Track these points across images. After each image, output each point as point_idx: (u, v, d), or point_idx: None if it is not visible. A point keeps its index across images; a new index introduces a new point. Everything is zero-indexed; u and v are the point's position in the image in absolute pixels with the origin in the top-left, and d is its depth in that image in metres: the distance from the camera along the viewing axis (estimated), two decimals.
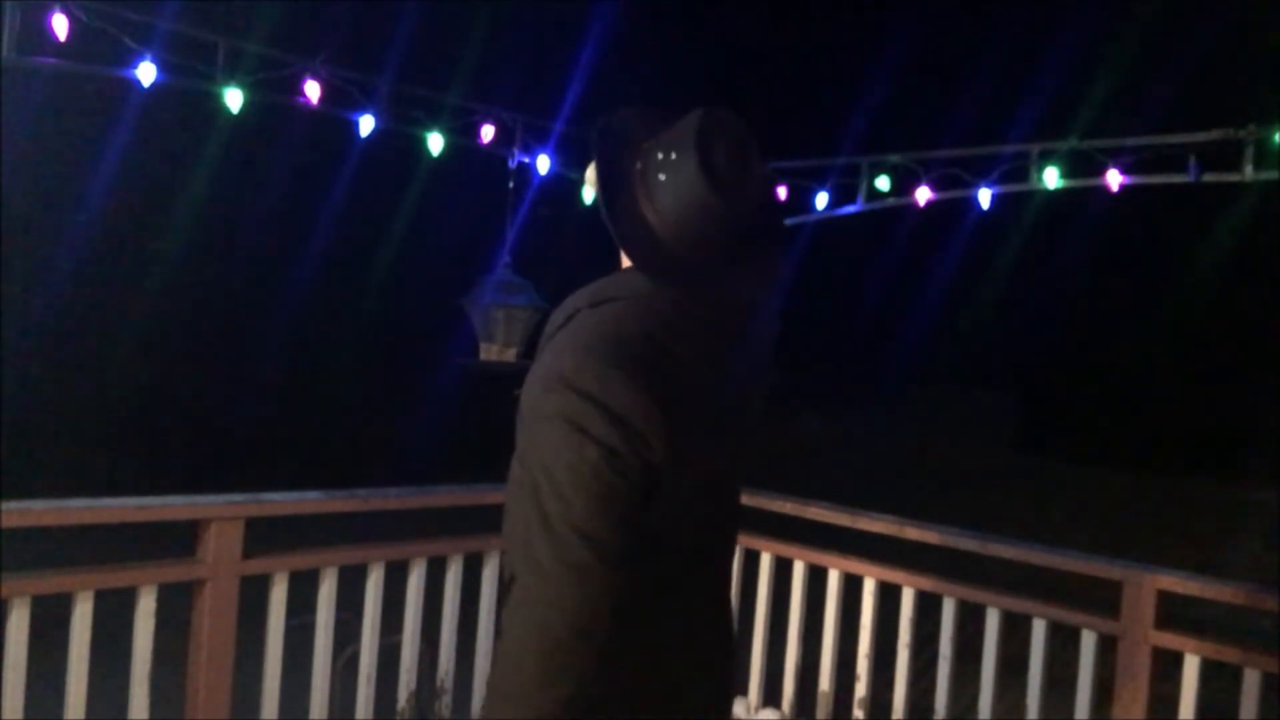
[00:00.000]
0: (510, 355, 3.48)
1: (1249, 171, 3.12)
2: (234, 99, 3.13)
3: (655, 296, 1.46)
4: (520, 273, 3.56)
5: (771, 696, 3.82)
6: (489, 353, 3.49)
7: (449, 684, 3.29)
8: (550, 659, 1.36)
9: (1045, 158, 3.48)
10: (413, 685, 3.22)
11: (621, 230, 1.46)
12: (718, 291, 1.49)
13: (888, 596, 3.53)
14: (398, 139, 3.55)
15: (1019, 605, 3.22)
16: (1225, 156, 3.19)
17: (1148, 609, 2.92)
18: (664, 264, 1.46)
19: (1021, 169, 3.55)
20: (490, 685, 1.43)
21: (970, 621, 3.33)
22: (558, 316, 1.53)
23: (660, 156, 1.46)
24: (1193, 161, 3.22)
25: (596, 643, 1.37)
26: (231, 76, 3.12)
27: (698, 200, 1.43)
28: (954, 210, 3.88)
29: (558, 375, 1.40)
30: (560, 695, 1.37)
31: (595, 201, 1.49)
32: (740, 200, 1.45)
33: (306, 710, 3.04)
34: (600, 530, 1.36)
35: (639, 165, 1.49)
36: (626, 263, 1.54)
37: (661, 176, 1.46)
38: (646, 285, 1.46)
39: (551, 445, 1.39)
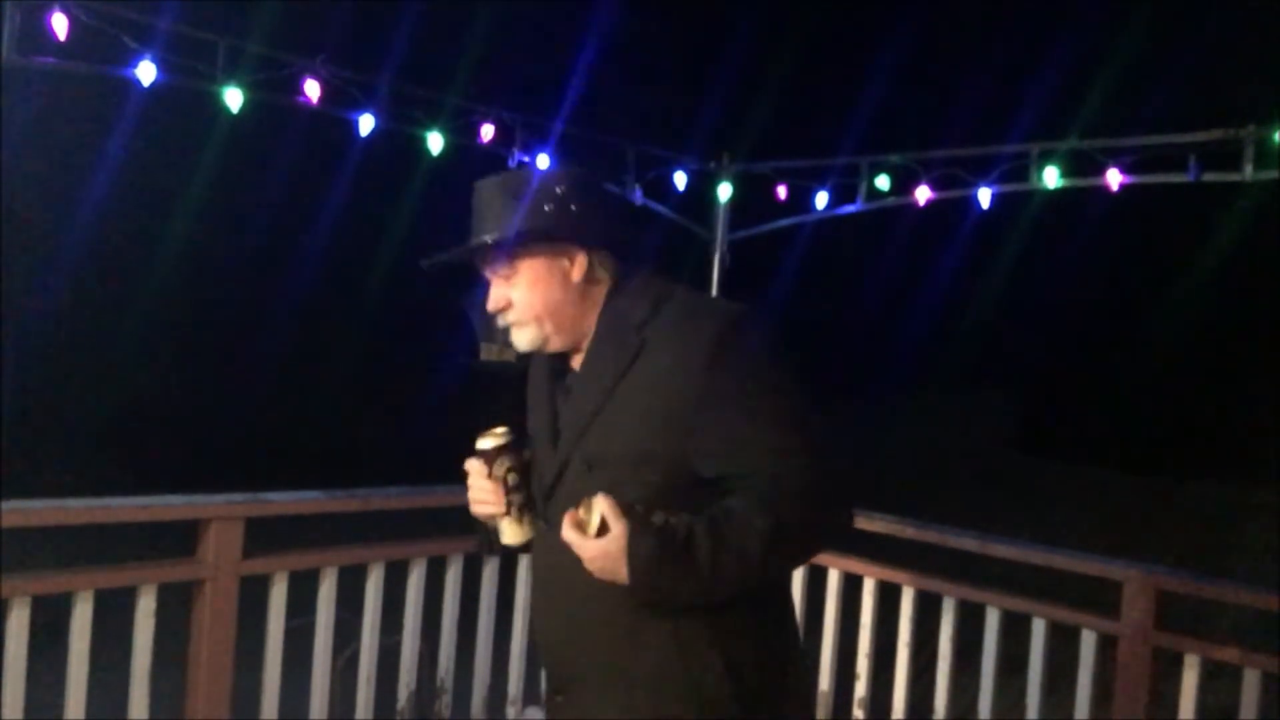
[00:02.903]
0: (511, 355, 3.49)
1: (1249, 171, 3.12)
2: (234, 99, 3.14)
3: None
4: None
5: None
6: (489, 353, 3.50)
7: (449, 684, 3.28)
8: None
9: (1045, 158, 3.49)
10: (413, 685, 3.22)
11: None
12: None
13: (888, 596, 3.53)
14: (398, 139, 3.55)
15: (1019, 605, 3.22)
16: (1225, 156, 3.19)
17: (1148, 609, 2.92)
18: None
19: (1021, 169, 3.55)
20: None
21: (970, 621, 3.33)
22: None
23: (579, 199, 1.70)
24: (1193, 161, 3.22)
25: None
26: (231, 76, 3.12)
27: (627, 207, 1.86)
28: (954, 210, 3.88)
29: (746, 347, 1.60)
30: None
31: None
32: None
33: (306, 710, 3.04)
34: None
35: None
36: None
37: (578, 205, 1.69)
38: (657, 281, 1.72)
39: (788, 399, 1.59)
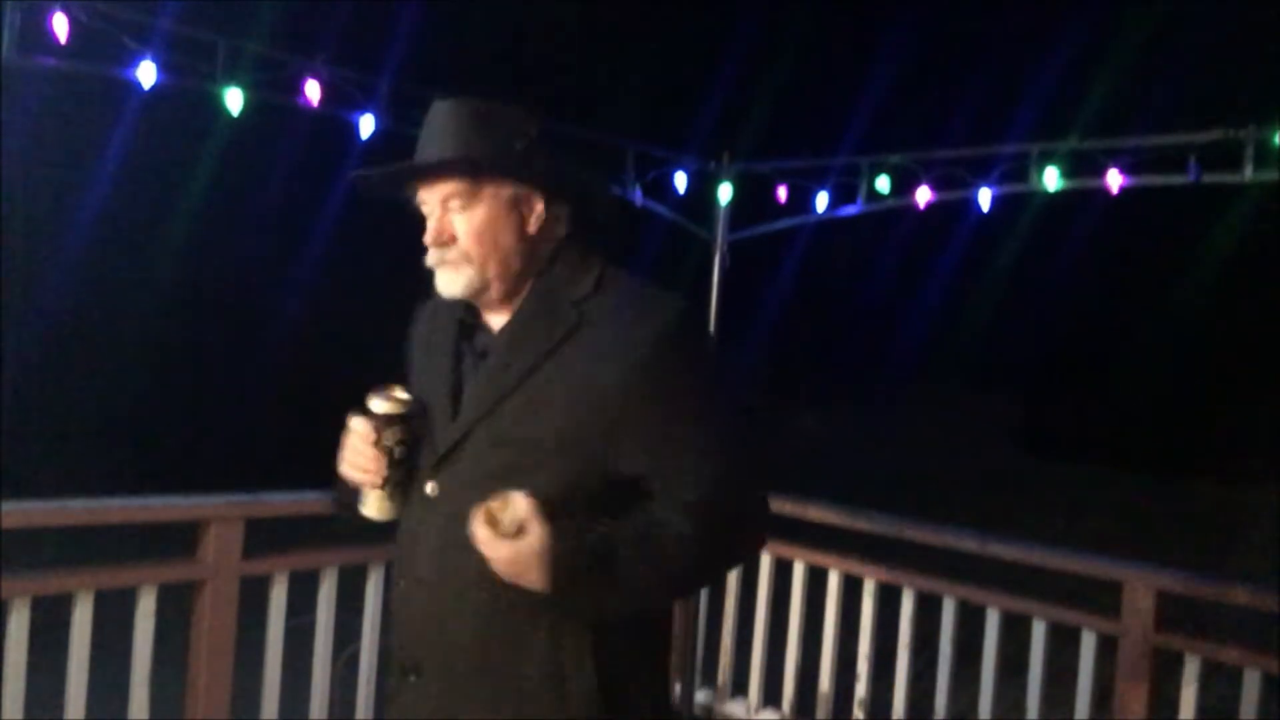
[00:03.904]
0: None
1: (1249, 171, 3.11)
2: (234, 99, 3.13)
3: None
4: None
5: (771, 696, 3.82)
6: None
7: None
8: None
9: (1045, 158, 3.48)
10: None
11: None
12: None
13: (888, 596, 3.53)
14: (397, 139, 3.55)
15: (1019, 605, 3.23)
16: (1225, 156, 3.18)
17: (1148, 609, 2.92)
18: None
19: (1021, 169, 3.54)
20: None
21: (970, 622, 3.33)
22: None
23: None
24: (1193, 161, 3.22)
25: None
26: (231, 76, 3.11)
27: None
28: (954, 210, 3.88)
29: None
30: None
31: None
32: None
33: (306, 710, 3.04)
34: None
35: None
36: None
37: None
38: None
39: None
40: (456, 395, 1.58)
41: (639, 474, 1.49)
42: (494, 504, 1.40)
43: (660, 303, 1.53)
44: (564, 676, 1.49)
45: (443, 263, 1.56)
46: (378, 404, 1.52)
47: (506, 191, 1.54)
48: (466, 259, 1.54)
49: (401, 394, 1.53)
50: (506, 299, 1.58)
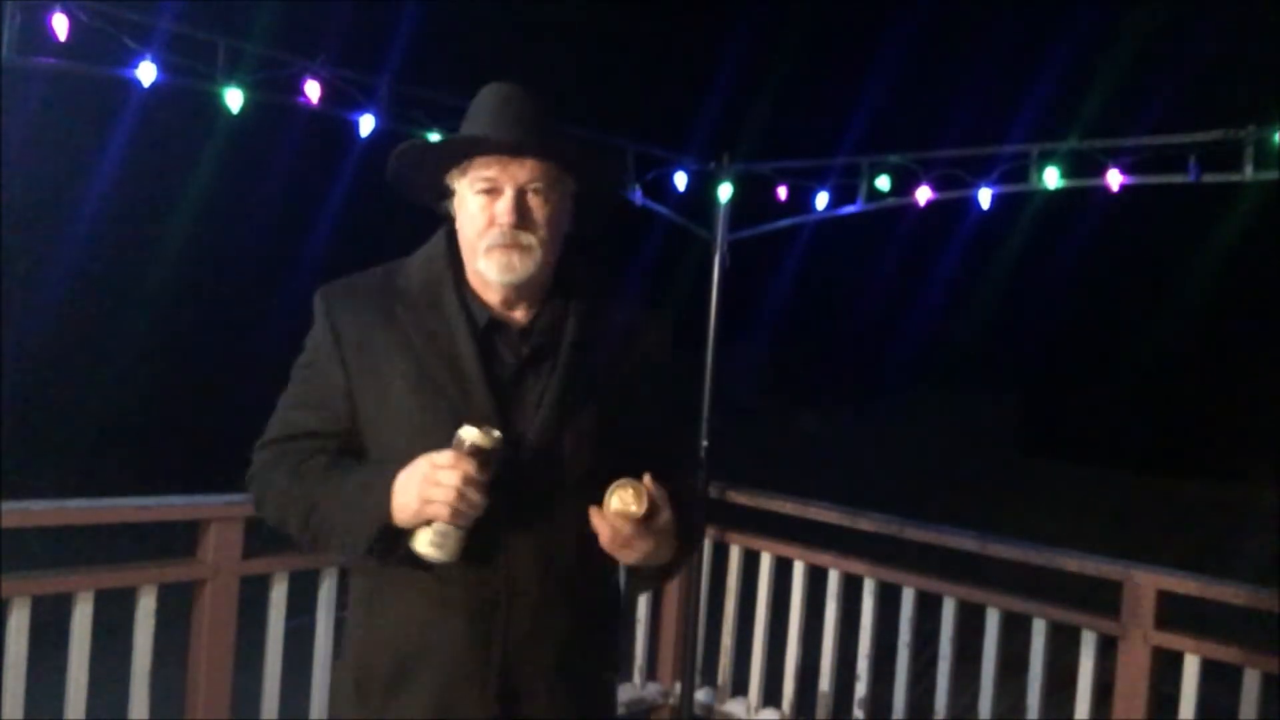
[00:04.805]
0: None
1: (1249, 171, 3.11)
2: (234, 99, 3.13)
3: None
4: None
5: (771, 696, 3.82)
6: None
7: None
8: None
9: (1045, 158, 3.47)
10: None
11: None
12: None
13: (888, 596, 3.53)
14: (398, 139, 3.54)
15: (1019, 605, 3.23)
16: (1225, 156, 3.18)
17: (1148, 609, 2.92)
18: None
19: (1021, 169, 3.54)
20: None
21: (970, 622, 3.33)
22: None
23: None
24: (1193, 161, 3.21)
25: None
26: (231, 76, 3.11)
27: None
28: (954, 210, 3.87)
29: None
30: None
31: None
32: None
33: (306, 710, 3.04)
34: None
35: None
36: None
37: None
38: None
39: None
40: (500, 396, 1.52)
41: (656, 447, 1.58)
42: (622, 495, 1.44)
43: (653, 312, 1.69)
44: (617, 631, 1.72)
45: (514, 244, 1.51)
46: (479, 437, 1.40)
47: (570, 186, 1.57)
48: (542, 245, 1.52)
49: (494, 430, 1.43)
50: (537, 292, 1.58)
